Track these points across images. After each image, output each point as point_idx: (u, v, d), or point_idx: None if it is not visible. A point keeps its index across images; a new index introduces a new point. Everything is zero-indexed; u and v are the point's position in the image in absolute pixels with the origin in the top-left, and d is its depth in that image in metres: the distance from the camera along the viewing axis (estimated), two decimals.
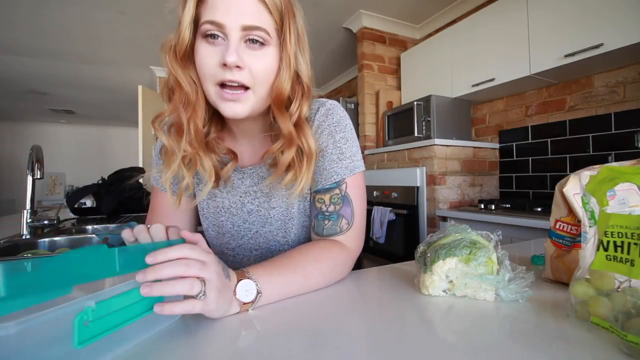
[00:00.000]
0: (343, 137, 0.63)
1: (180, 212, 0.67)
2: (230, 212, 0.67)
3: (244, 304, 0.45)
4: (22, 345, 0.26)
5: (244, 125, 0.62)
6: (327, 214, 0.62)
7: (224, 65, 0.50)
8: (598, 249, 0.40)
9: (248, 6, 0.50)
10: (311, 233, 0.66)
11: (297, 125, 0.58)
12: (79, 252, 0.31)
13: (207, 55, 0.51)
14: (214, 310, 0.41)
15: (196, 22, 0.52)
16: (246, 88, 0.53)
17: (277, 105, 0.56)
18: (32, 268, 0.28)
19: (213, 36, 0.51)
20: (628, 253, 0.37)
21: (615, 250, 0.38)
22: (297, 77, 0.57)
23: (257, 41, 0.52)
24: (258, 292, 0.46)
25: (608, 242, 0.39)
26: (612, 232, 0.38)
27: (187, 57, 0.54)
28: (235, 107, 0.53)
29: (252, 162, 0.65)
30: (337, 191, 0.61)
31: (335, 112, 0.64)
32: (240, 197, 0.66)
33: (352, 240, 0.62)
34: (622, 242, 0.37)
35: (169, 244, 0.41)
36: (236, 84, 0.52)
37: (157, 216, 0.67)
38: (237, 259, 0.70)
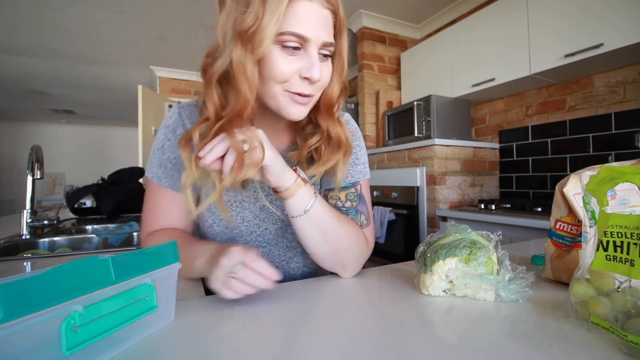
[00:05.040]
0: (358, 144, 0.69)
1: (182, 210, 0.64)
2: (242, 206, 0.65)
3: (301, 179, 0.53)
4: (5, 351, 0.25)
5: (272, 122, 0.63)
6: (343, 209, 0.64)
7: (305, 78, 0.51)
8: (598, 249, 0.40)
9: (325, 21, 0.51)
10: None
11: (339, 122, 0.62)
12: (73, 265, 0.30)
13: (285, 63, 0.50)
14: (272, 160, 0.50)
15: None
16: (313, 96, 0.55)
17: (327, 110, 0.59)
18: (27, 286, 0.26)
19: (295, 48, 0.50)
20: (628, 253, 0.36)
21: (615, 250, 0.38)
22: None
23: (327, 55, 0.53)
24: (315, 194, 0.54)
25: (608, 242, 0.39)
26: (611, 232, 0.38)
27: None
28: (302, 110, 0.55)
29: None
30: (352, 190, 0.66)
31: (351, 123, 0.71)
32: (254, 191, 0.65)
33: (370, 235, 0.65)
34: (622, 242, 0.37)
35: (161, 247, 0.42)
36: (309, 95, 0.53)
37: (156, 215, 0.64)
38: None
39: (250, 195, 0.66)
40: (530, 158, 2.20)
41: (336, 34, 0.54)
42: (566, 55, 1.68)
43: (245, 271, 0.45)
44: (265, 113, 0.61)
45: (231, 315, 0.45)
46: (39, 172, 1.20)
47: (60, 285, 0.29)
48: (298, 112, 0.54)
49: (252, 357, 0.35)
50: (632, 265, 0.36)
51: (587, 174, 0.51)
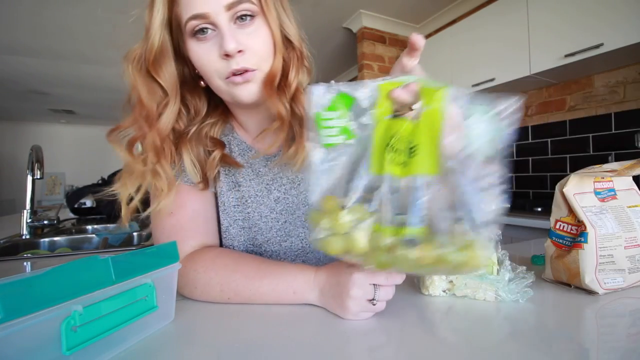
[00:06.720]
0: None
1: (208, 216, 0.60)
2: (257, 201, 0.62)
3: None
4: (5, 351, 0.25)
5: (259, 114, 0.60)
6: None
7: (226, 55, 0.47)
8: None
9: None
10: None
11: (295, 97, 0.55)
12: (73, 265, 0.30)
13: (204, 53, 0.49)
14: None
15: (176, 25, 0.50)
16: (253, 70, 0.50)
17: (267, 86, 0.52)
18: (27, 286, 0.26)
19: (202, 31, 0.47)
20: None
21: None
22: (287, 42, 0.54)
23: (246, 16, 0.48)
24: None
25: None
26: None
27: (158, 64, 0.51)
28: (249, 88, 0.50)
29: (275, 149, 0.61)
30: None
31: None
32: (267, 184, 0.62)
33: None
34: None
35: (161, 247, 0.42)
36: (243, 71, 0.49)
37: (184, 230, 0.56)
38: (265, 256, 0.63)
39: (263, 188, 0.62)
40: (530, 158, 2.20)
41: None
42: (566, 55, 1.68)
43: (382, 291, 0.43)
44: (257, 114, 0.59)
45: (231, 315, 0.45)
46: (39, 172, 1.20)
47: (60, 285, 0.29)
48: (247, 92, 0.50)
49: (253, 356, 0.35)
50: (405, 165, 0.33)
51: (587, 175, 0.51)
